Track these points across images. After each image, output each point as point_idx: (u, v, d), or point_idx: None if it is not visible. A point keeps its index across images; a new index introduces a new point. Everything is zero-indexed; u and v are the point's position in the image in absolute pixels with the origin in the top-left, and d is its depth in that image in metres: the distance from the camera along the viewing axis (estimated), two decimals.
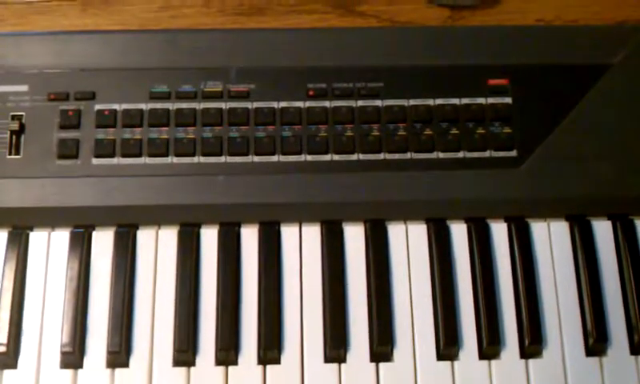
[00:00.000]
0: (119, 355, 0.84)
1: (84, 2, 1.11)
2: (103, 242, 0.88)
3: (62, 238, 0.89)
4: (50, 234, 0.89)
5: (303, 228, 0.90)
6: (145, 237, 0.89)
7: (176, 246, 0.88)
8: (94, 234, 0.89)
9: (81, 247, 0.88)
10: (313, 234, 0.89)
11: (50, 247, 0.88)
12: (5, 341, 0.84)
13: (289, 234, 0.89)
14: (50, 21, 1.11)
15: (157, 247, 0.89)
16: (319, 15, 1.10)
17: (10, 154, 0.89)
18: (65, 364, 0.85)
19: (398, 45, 0.93)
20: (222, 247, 0.88)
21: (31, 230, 0.89)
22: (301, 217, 0.90)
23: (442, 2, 1.07)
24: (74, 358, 0.85)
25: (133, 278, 0.87)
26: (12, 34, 0.95)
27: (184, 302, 0.86)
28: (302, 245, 0.89)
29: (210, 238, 0.89)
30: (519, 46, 0.94)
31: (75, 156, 0.89)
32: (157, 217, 0.89)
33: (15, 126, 0.89)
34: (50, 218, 0.88)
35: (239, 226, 0.89)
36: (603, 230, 0.90)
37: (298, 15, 1.10)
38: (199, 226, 0.89)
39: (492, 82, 0.92)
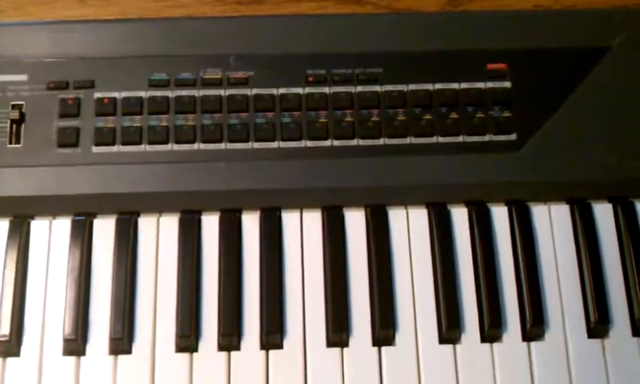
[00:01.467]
0: (122, 342, 0.84)
1: None
2: (104, 229, 0.89)
3: (63, 226, 0.89)
4: (51, 223, 0.89)
5: (304, 214, 0.90)
6: (146, 224, 0.89)
7: (177, 233, 0.88)
8: (95, 221, 0.89)
9: (82, 235, 0.88)
10: (314, 219, 0.90)
11: (51, 235, 0.89)
12: (7, 329, 0.85)
13: (290, 219, 0.89)
14: (49, 12, 1.12)
15: (158, 234, 0.89)
16: (317, 3, 1.10)
17: (10, 143, 0.89)
18: (67, 351, 0.85)
19: (397, 31, 0.93)
20: (223, 233, 0.88)
21: (32, 218, 0.89)
22: (301, 202, 0.90)
23: None
24: (76, 345, 0.85)
25: (134, 265, 0.87)
26: (11, 24, 0.95)
27: (186, 288, 0.86)
28: (303, 230, 0.89)
29: (211, 224, 0.89)
30: (518, 30, 0.94)
31: (75, 144, 0.89)
32: (158, 204, 0.89)
33: (15, 115, 0.89)
34: (51, 206, 0.89)
35: (240, 213, 0.90)
36: (604, 213, 0.90)
37: (297, 3, 1.10)
38: (200, 213, 0.89)
39: (491, 66, 0.92)
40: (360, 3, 1.10)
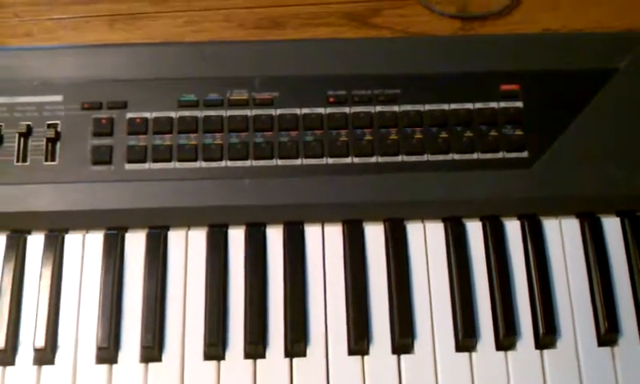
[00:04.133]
0: (152, 350, 0.88)
1: (112, 18, 1.17)
2: (136, 242, 0.93)
3: (96, 239, 0.93)
4: (84, 236, 0.93)
5: (326, 227, 0.94)
6: (175, 237, 0.93)
7: (205, 246, 0.93)
8: (127, 235, 0.93)
9: (115, 248, 0.92)
10: (335, 233, 0.94)
11: (84, 248, 0.93)
12: (43, 339, 0.89)
13: (312, 233, 0.94)
14: (79, 36, 1.17)
15: (187, 247, 0.93)
16: (335, 28, 1.15)
17: (46, 160, 0.93)
18: (100, 359, 0.89)
19: (414, 54, 0.98)
20: (248, 246, 0.93)
21: (66, 232, 0.94)
22: (323, 217, 0.94)
23: (453, 13, 1.12)
24: (109, 353, 0.89)
25: (164, 277, 0.92)
26: (48, 48, 1.00)
27: (213, 298, 0.90)
28: (324, 243, 0.93)
29: (237, 237, 0.93)
30: (529, 53, 0.99)
31: (109, 162, 0.93)
32: (187, 218, 0.93)
33: (51, 133, 0.94)
34: (84, 220, 0.93)
35: (265, 226, 0.94)
36: (612, 226, 0.95)
37: (315, 28, 1.15)
38: (227, 227, 0.94)
39: (504, 87, 0.97)
40: (376, 28, 1.14)
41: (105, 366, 0.89)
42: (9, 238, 0.92)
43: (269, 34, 1.16)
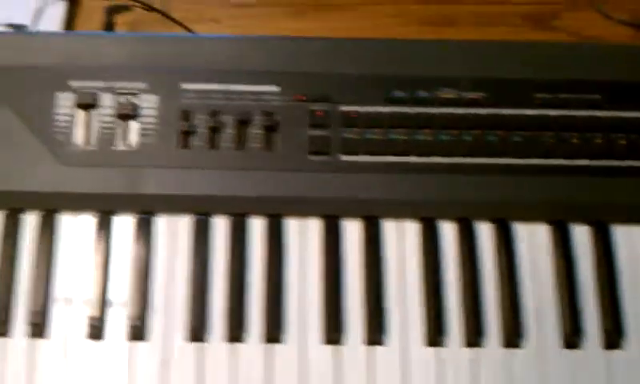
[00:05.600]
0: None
1: (297, 10, 1.20)
2: (351, 231, 0.97)
3: (314, 225, 0.97)
4: (304, 222, 0.98)
5: (530, 225, 0.98)
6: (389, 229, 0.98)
7: (419, 239, 0.97)
8: (344, 223, 0.98)
9: (334, 236, 0.97)
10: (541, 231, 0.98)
11: (306, 233, 0.97)
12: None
13: (520, 230, 0.98)
14: (263, 26, 1.21)
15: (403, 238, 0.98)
16: (513, 27, 1.19)
17: (264, 148, 0.97)
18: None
19: (615, 61, 1.01)
20: (461, 242, 0.97)
21: (281, 217, 0.97)
22: (529, 215, 0.98)
23: (627, 20, 1.16)
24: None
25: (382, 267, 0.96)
26: (266, 38, 1.03)
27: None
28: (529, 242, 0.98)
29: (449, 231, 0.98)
30: None
31: (327, 152, 0.97)
32: (398, 211, 0.97)
33: (269, 122, 0.97)
34: (302, 207, 0.97)
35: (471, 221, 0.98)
36: None
37: (494, 27, 1.19)
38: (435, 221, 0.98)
39: None
40: (554, 31, 1.18)
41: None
42: (233, 223, 0.97)
43: (441, 31, 1.19)
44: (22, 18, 1.14)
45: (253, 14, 1.21)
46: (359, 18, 1.21)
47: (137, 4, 1.14)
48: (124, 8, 1.14)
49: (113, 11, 1.13)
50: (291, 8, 1.22)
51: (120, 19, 1.16)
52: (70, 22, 1.18)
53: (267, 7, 1.22)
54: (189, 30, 1.15)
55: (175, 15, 1.17)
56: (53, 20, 1.16)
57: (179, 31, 1.16)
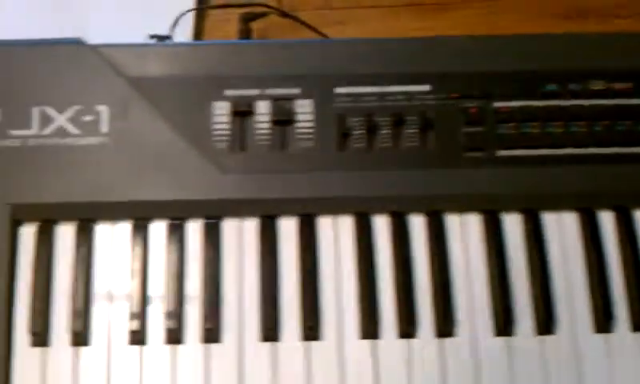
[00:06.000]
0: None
1: (418, 10, 1.22)
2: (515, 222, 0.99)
3: (474, 220, 0.99)
4: (461, 217, 0.99)
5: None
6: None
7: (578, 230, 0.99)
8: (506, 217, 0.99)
9: (494, 230, 0.98)
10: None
11: (463, 229, 0.99)
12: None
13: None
14: (388, 27, 1.22)
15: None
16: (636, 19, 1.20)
17: (420, 146, 0.99)
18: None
19: None
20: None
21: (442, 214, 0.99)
22: None
23: None
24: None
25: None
26: (418, 40, 1.05)
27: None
28: None
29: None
30: None
31: (482, 149, 0.99)
32: (557, 202, 0.99)
33: (424, 121, 0.99)
34: (458, 205, 0.99)
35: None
36: None
37: (622, 19, 1.20)
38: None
39: None
40: None
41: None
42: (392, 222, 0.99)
43: (571, 24, 1.21)
44: (159, 29, 1.15)
45: (376, 15, 1.22)
46: (475, 16, 1.23)
47: (272, 10, 1.16)
48: (260, 16, 1.16)
49: (248, 19, 1.14)
50: (411, 8, 1.23)
51: (253, 26, 1.17)
52: (199, 31, 1.20)
53: (388, 8, 1.24)
54: (322, 35, 1.16)
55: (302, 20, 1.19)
56: (184, 30, 1.18)
57: (310, 36, 1.17)
